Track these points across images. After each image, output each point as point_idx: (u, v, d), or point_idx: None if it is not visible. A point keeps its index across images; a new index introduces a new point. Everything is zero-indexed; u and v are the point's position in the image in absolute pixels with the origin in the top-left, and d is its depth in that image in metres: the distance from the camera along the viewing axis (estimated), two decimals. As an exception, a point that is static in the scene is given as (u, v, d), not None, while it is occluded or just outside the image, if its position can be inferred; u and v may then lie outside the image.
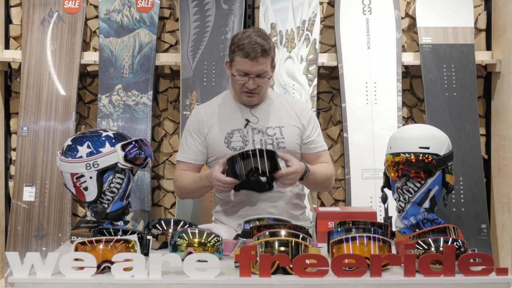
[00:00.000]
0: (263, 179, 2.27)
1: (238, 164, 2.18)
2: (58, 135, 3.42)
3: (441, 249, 1.76)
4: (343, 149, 3.42)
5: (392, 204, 2.28)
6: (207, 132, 2.45)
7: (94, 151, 2.17)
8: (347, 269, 1.69)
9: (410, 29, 3.62)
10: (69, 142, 2.22)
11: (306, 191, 2.65)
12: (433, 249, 1.78)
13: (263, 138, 2.42)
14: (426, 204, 2.17)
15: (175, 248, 1.85)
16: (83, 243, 1.75)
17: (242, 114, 2.45)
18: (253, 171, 2.16)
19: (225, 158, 2.23)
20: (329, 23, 3.61)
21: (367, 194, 3.29)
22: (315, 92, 3.41)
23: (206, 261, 1.68)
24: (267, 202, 2.41)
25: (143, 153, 2.23)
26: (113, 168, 2.19)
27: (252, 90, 2.37)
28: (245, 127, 2.43)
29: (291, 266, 1.69)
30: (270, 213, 2.37)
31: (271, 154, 2.19)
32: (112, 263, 1.69)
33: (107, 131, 2.24)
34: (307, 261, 1.69)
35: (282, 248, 1.75)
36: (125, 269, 1.68)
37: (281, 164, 2.25)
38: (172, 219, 2.15)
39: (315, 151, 2.50)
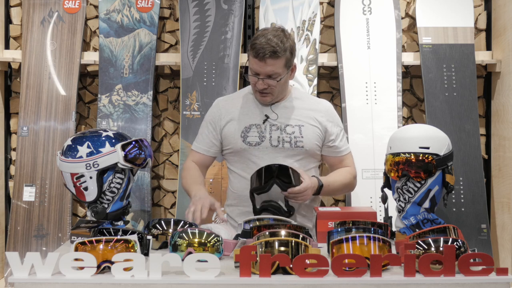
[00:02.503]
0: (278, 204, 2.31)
1: (254, 177, 2.27)
2: (58, 135, 3.42)
3: (441, 249, 1.76)
4: (343, 149, 3.42)
5: (392, 204, 2.28)
6: (224, 125, 2.46)
7: (94, 151, 2.16)
8: (347, 269, 1.69)
9: (410, 29, 3.62)
10: (69, 142, 2.22)
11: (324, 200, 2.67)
12: (433, 249, 1.77)
13: (281, 135, 2.41)
14: (426, 204, 2.16)
15: (175, 248, 1.85)
16: (83, 243, 1.75)
17: (262, 109, 2.45)
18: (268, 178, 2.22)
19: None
20: (329, 23, 3.60)
21: (367, 194, 3.28)
22: (315, 92, 3.41)
23: (206, 261, 1.68)
24: None
25: (143, 153, 2.23)
26: (113, 168, 2.19)
27: (264, 90, 2.36)
28: (263, 122, 2.42)
29: (291, 266, 1.69)
30: None
31: (284, 168, 2.24)
32: (112, 263, 1.69)
33: (107, 131, 2.24)
34: (307, 261, 1.69)
35: (282, 248, 1.75)
36: (125, 269, 1.68)
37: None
38: (172, 219, 2.14)
39: (340, 155, 2.51)
